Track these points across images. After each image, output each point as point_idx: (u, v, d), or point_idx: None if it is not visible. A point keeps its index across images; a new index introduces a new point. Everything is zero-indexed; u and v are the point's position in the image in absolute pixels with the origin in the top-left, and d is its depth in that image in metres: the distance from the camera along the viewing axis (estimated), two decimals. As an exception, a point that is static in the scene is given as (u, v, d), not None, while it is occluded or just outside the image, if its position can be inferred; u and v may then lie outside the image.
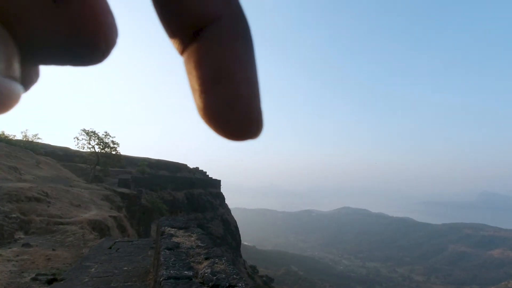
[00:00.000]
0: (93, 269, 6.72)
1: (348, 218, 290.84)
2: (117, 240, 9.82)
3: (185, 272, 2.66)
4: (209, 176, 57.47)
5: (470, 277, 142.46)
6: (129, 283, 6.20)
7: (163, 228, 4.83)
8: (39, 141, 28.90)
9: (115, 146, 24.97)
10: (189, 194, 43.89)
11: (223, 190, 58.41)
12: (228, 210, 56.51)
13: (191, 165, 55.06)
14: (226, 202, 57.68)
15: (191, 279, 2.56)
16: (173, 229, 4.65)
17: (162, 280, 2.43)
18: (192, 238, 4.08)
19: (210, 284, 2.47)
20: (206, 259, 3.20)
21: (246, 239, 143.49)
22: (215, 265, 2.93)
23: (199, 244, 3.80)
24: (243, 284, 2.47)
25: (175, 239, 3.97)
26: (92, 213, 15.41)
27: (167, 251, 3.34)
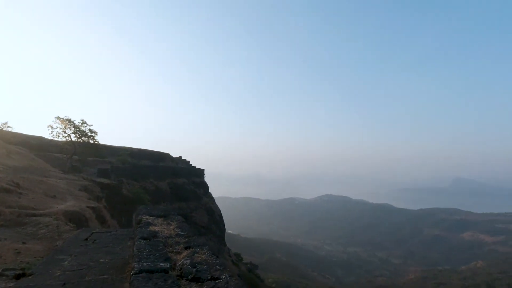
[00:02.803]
0: (66, 262, 6.29)
1: (330, 205, 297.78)
2: (94, 231, 9.35)
3: (161, 264, 2.37)
4: (193, 165, 56.73)
5: (443, 259, 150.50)
6: (105, 276, 5.84)
7: (140, 216, 4.48)
8: (10, 129, 27.26)
9: (93, 135, 23.93)
10: (173, 183, 43.19)
11: (206, 179, 57.96)
12: (212, 199, 56.25)
13: (174, 154, 54.02)
14: (210, 191, 57.34)
15: (168, 272, 2.27)
16: (151, 217, 4.33)
17: (132, 274, 2.13)
18: (172, 226, 3.78)
19: (189, 277, 2.20)
20: (186, 248, 2.92)
21: (231, 227, 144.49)
22: (196, 255, 2.65)
23: (179, 232, 3.50)
24: (227, 275, 2.21)
25: (152, 228, 3.65)
26: (69, 204, 14.73)
27: (142, 241, 3.03)
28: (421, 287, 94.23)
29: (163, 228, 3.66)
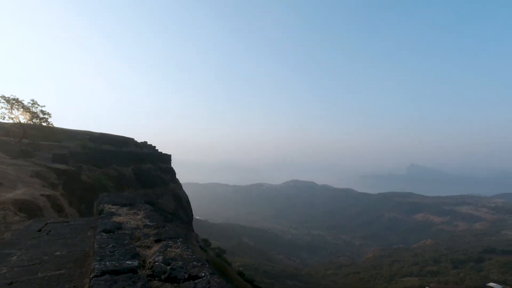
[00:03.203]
0: (15, 257, 5.58)
1: (296, 190, 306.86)
2: (49, 221, 8.49)
3: (128, 262, 1.98)
4: (159, 150, 54.81)
5: (399, 238, 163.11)
6: (62, 271, 5.23)
7: (101, 205, 3.95)
8: None
9: (46, 116, 21.76)
10: (137, 169, 41.43)
11: (174, 165, 56.47)
12: (179, 185, 55.08)
13: (139, 139, 51.54)
14: (177, 177, 56.05)
15: (136, 272, 1.90)
16: (114, 207, 3.83)
17: (92, 278, 1.72)
18: (139, 216, 3.35)
19: (163, 276, 1.84)
20: (157, 241, 2.54)
21: (198, 213, 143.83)
22: (169, 249, 2.29)
23: (148, 223, 3.09)
24: (207, 273, 1.89)
25: (116, 219, 3.20)
26: (19, 192, 13.37)
27: (104, 234, 2.60)
28: (378, 265, 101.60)
29: (129, 218, 3.22)
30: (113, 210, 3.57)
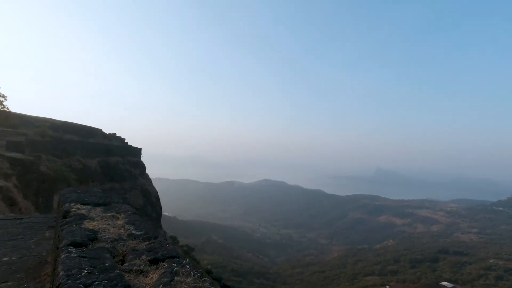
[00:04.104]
0: None
1: (267, 189, 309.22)
2: (-3, 218, 7.17)
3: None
4: (128, 143, 52.08)
5: (363, 239, 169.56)
6: (9, 283, 4.15)
7: (67, 205, 3.01)
8: None
9: (1, 99, 19.43)
10: (104, 162, 38.91)
11: (144, 159, 54.01)
12: (149, 180, 52.78)
13: (107, 131, 48.45)
14: (147, 171, 53.68)
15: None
16: (84, 207, 2.90)
17: None
18: (120, 222, 2.48)
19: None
20: (153, 262, 1.75)
21: (168, 210, 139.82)
22: (176, 278, 1.52)
23: (133, 231, 2.25)
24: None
25: (88, 225, 2.32)
26: (-37, 182, 11.55)
27: (73, 250, 1.75)
28: (343, 264, 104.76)
29: (106, 224, 2.35)
30: (83, 211, 2.67)
